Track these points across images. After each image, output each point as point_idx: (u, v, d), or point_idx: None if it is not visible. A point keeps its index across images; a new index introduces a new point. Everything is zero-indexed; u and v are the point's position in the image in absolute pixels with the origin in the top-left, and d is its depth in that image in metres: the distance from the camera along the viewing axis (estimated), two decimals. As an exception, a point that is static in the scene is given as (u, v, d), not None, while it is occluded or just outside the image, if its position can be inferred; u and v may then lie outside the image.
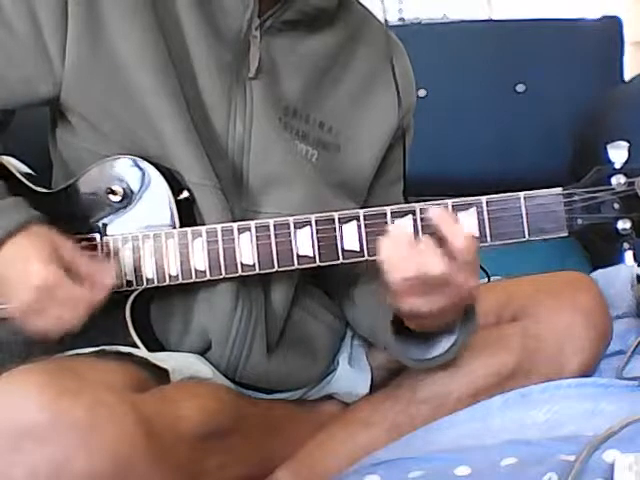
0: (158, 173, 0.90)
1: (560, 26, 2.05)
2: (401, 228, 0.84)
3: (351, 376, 1.08)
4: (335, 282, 1.06)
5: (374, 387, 1.08)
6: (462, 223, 0.84)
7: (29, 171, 0.99)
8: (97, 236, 0.91)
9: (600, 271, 1.41)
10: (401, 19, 2.62)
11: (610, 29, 1.99)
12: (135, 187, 0.91)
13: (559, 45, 1.95)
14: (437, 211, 0.83)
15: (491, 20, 2.72)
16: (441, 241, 0.81)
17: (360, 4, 1.06)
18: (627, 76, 1.98)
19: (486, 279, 1.19)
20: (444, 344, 0.93)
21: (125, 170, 0.91)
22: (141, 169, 0.90)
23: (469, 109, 1.93)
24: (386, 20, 1.03)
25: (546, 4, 2.77)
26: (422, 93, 1.67)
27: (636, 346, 1.14)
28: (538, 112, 1.93)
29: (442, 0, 2.80)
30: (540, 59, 1.94)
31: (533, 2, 2.82)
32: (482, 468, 0.84)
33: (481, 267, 1.11)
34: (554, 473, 0.78)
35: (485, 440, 0.93)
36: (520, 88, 1.96)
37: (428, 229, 0.84)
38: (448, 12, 2.72)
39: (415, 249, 0.80)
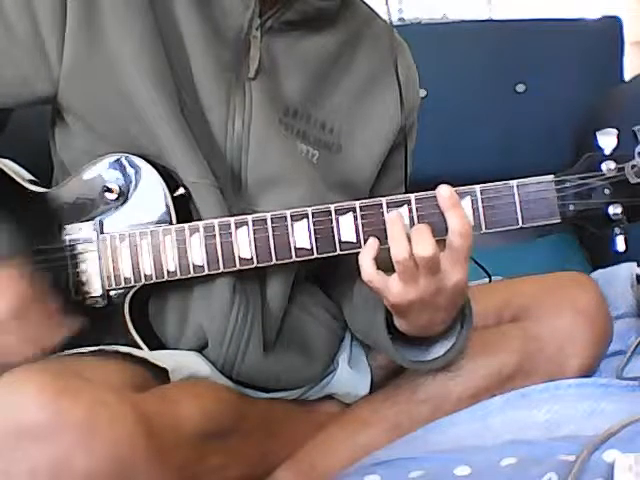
0: (154, 170, 0.90)
1: (560, 26, 2.05)
2: (397, 212, 0.85)
3: (351, 377, 1.07)
4: (334, 280, 1.06)
5: (374, 387, 1.08)
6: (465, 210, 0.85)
7: (30, 176, 0.99)
8: (94, 234, 0.91)
9: (600, 271, 1.41)
10: (401, 19, 2.61)
11: (610, 29, 1.99)
12: (131, 185, 0.91)
13: (559, 45, 1.95)
14: (446, 190, 0.84)
15: (491, 20, 2.71)
16: (434, 230, 0.82)
17: (364, 4, 1.06)
18: (627, 76, 1.98)
19: (487, 279, 1.19)
20: (439, 348, 0.93)
21: (121, 168, 0.91)
22: (137, 166, 0.91)
23: (469, 109, 1.93)
24: (390, 20, 1.03)
25: (546, 4, 2.77)
26: (422, 93, 1.66)
27: (636, 346, 1.14)
28: (538, 112, 1.93)
29: (442, 0, 2.80)
30: (540, 59, 1.94)
31: (533, 2, 2.82)
32: (482, 468, 0.84)
33: (482, 267, 1.12)
34: (554, 473, 0.78)
35: (485, 440, 0.93)
36: (520, 88, 1.95)
37: (423, 219, 0.84)
38: (448, 12, 2.72)
39: (407, 232, 0.82)
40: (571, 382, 0.99)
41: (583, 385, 0.99)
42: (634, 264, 1.35)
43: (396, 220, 0.83)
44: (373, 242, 0.85)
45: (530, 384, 0.99)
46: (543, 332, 1.01)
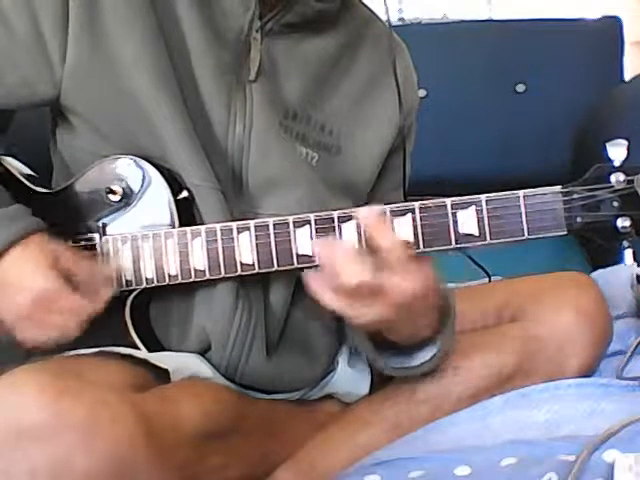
0: (158, 173, 0.90)
1: (560, 26, 2.05)
2: (323, 244, 0.83)
3: (351, 377, 1.07)
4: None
5: (374, 387, 1.08)
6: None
7: (30, 172, 1.00)
8: (97, 236, 0.91)
9: (600, 271, 1.41)
10: (401, 19, 2.62)
11: (610, 29, 1.99)
12: (134, 187, 0.91)
13: (559, 45, 1.95)
14: (364, 214, 0.82)
15: (491, 20, 2.72)
16: (439, 239, 0.82)
17: (364, 5, 1.06)
18: (627, 76, 1.98)
19: (487, 279, 1.19)
20: (425, 353, 0.93)
21: (124, 170, 0.91)
22: (140, 169, 0.90)
23: (469, 109, 1.93)
24: (389, 21, 1.03)
25: (546, 4, 2.77)
26: (422, 93, 1.67)
27: (636, 346, 1.14)
28: (538, 112, 1.93)
29: (442, 0, 2.80)
30: (540, 59, 1.95)
31: (533, 2, 2.82)
32: (482, 468, 0.84)
33: (482, 267, 1.12)
34: (554, 473, 0.78)
35: (485, 440, 0.93)
36: (520, 88, 1.96)
37: (427, 228, 0.84)
38: (448, 12, 2.72)
39: (340, 260, 0.79)
40: (571, 382, 0.99)
41: (583, 385, 0.99)
42: (634, 264, 1.35)
43: (320, 253, 0.81)
44: (314, 277, 0.81)
45: (530, 384, 0.99)
46: (543, 332, 1.01)
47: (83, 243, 0.91)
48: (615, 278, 1.34)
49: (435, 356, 0.92)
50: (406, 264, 0.80)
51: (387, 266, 0.80)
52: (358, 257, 0.79)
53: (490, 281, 1.19)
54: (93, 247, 0.91)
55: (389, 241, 0.80)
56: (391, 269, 0.80)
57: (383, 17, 1.06)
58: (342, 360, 1.08)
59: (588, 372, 1.03)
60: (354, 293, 0.79)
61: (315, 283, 0.80)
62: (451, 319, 0.91)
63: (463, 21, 2.37)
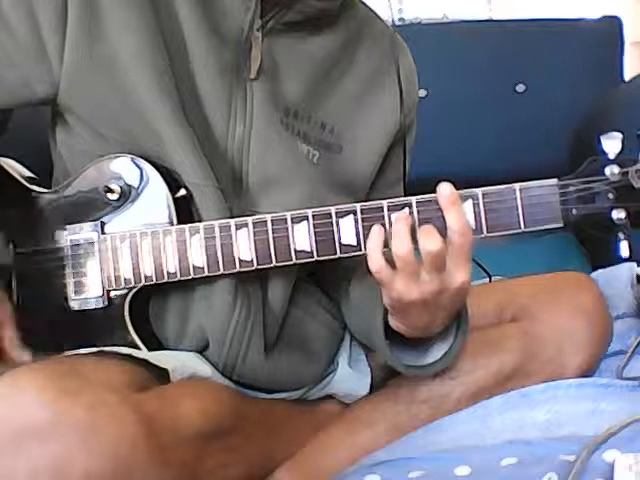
0: (156, 171, 0.90)
1: (560, 26, 2.05)
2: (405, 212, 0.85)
3: (351, 377, 1.07)
4: (333, 281, 1.06)
5: (374, 387, 1.08)
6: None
7: (30, 174, 0.99)
8: (95, 235, 0.91)
9: (600, 271, 1.41)
10: (401, 19, 2.62)
11: (610, 29, 1.99)
12: (133, 185, 0.91)
13: (559, 45, 1.95)
14: (446, 188, 0.83)
15: (491, 20, 2.71)
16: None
17: (364, 4, 1.06)
18: (627, 76, 1.98)
19: (487, 279, 1.19)
20: (437, 351, 0.93)
21: (123, 168, 0.91)
22: (139, 167, 0.90)
23: (469, 109, 1.93)
24: (393, 20, 1.03)
25: (546, 4, 2.77)
26: (422, 93, 1.67)
27: (636, 346, 1.14)
28: (538, 112, 1.93)
29: (442, 0, 2.80)
30: (540, 59, 1.94)
31: (533, 2, 2.82)
32: (482, 468, 0.84)
33: (482, 267, 1.12)
34: (554, 473, 0.78)
35: (485, 440, 0.93)
36: (520, 88, 1.96)
37: (424, 222, 0.84)
38: (448, 12, 2.72)
39: (426, 227, 0.81)
40: (571, 382, 0.99)
41: (583, 385, 0.99)
42: (634, 264, 1.35)
43: (402, 217, 0.83)
44: (378, 230, 0.84)
45: (530, 384, 0.99)
46: (543, 332, 1.01)
47: (82, 242, 0.91)
48: (615, 278, 1.34)
49: (445, 357, 0.92)
50: (469, 252, 0.82)
51: (453, 248, 0.81)
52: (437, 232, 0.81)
53: (490, 281, 1.19)
54: (91, 245, 0.91)
55: (466, 224, 0.81)
56: (457, 251, 0.81)
57: (383, 17, 1.06)
58: (342, 361, 1.08)
59: (588, 372, 1.03)
60: (421, 263, 0.80)
61: (376, 241, 0.82)
62: (466, 322, 0.92)
63: (463, 21, 2.37)
